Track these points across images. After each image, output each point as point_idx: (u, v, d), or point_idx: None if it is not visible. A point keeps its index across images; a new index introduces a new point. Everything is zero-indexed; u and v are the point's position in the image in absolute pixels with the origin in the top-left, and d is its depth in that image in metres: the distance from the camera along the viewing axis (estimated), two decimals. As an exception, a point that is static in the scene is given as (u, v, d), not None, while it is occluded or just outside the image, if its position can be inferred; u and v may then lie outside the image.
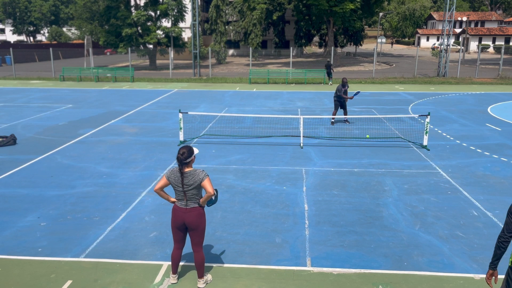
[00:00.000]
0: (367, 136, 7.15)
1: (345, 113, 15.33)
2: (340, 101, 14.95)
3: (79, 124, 14.71)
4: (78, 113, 16.77)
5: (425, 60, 47.27)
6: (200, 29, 51.37)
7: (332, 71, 27.61)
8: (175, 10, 38.71)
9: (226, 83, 28.08)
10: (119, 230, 6.75)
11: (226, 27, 49.71)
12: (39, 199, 7.99)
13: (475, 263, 5.78)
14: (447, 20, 29.07)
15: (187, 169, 4.89)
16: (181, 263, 5.73)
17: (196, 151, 4.97)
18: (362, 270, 5.62)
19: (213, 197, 5.08)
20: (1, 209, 7.56)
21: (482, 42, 69.31)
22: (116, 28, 36.71)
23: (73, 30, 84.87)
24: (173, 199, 5.08)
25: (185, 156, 4.84)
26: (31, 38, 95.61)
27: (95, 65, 39.26)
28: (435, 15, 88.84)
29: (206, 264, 5.69)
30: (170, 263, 5.72)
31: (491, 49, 66.65)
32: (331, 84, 26.95)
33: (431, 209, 7.57)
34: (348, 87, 15.04)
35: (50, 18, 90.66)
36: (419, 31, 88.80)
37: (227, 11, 51.16)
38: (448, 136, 13.00)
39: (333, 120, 15.15)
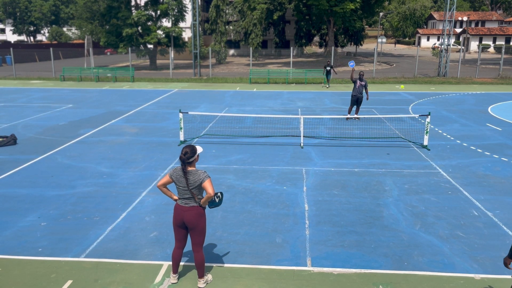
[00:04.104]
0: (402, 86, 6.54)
1: (357, 111, 15.40)
2: (357, 97, 15.07)
3: (80, 124, 14.71)
4: (79, 113, 16.78)
5: (425, 60, 47.24)
6: (200, 29, 51.35)
7: (332, 71, 25.77)
8: (176, 10, 38.72)
9: (227, 83, 28.08)
10: (120, 230, 6.75)
11: (227, 27, 49.68)
12: (40, 199, 7.99)
13: (476, 263, 5.78)
14: (448, 20, 29.05)
15: (189, 168, 4.90)
16: (181, 263, 5.73)
17: (199, 149, 4.97)
18: (363, 270, 5.62)
19: (216, 200, 5.07)
20: (2, 209, 7.57)
21: (483, 42, 69.29)
22: (117, 28, 36.72)
23: (74, 30, 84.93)
24: (175, 197, 5.10)
25: (187, 156, 4.85)
26: (32, 38, 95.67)
27: (95, 65, 39.27)
28: (435, 15, 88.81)
29: (206, 264, 5.69)
30: (170, 263, 5.72)
31: (491, 49, 66.60)
32: (327, 87, 25.38)
33: (432, 209, 7.57)
34: (365, 82, 15.13)
35: (50, 18, 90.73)
36: (420, 31, 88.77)
37: (227, 11, 51.12)
38: (448, 136, 12.99)
39: (348, 117, 15.26)
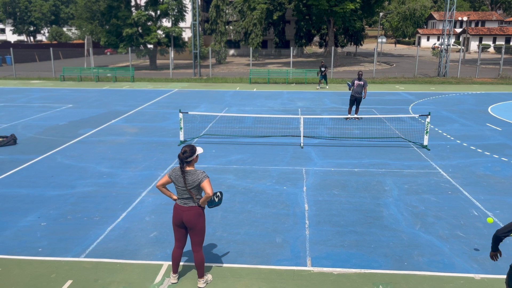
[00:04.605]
0: (490, 220, 5.58)
1: (357, 111, 15.39)
2: (355, 97, 15.04)
3: (80, 124, 14.71)
4: (79, 113, 16.78)
5: (425, 60, 47.25)
6: (200, 29, 51.36)
7: (325, 72, 24.72)
8: (176, 10, 38.72)
9: (227, 83, 28.08)
10: (120, 230, 6.75)
11: (226, 27, 49.71)
12: (40, 199, 7.99)
13: (476, 263, 5.78)
14: (448, 20, 29.06)
15: (188, 168, 4.90)
16: (181, 263, 5.73)
17: (200, 150, 4.96)
18: (363, 270, 5.62)
19: (216, 199, 5.07)
20: (2, 209, 7.57)
21: (483, 42, 69.30)
22: (117, 28, 36.73)
23: (74, 30, 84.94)
24: (175, 197, 5.10)
25: (186, 155, 4.84)
26: (32, 38, 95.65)
27: (95, 65, 39.27)
28: (435, 15, 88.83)
29: (206, 264, 5.69)
30: (170, 263, 5.72)
31: (491, 49, 66.62)
32: (326, 87, 24.90)
33: (432, 209, 7.57)
34: (364, 82, 14.99)
35: (50, 18, 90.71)
36: (420, 31, 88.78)
37: (227, 11, 51.17)
38: (448, 136, 12.99)
39: (348, 117, 15.21)
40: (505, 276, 5.46)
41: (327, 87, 25.24)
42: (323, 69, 24.57)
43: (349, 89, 15.27)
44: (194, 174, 4.87)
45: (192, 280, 5.38)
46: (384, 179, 9.12)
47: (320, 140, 12.57)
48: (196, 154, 4.92)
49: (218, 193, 5.14)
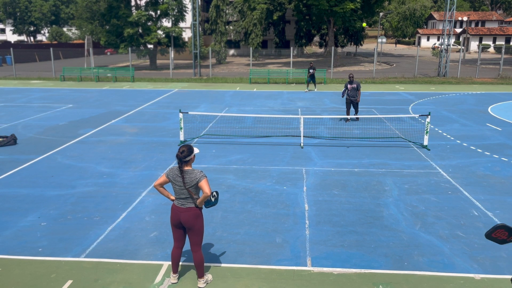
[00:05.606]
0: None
1: (356, 112, 15.37)
2: (350, 100, 14.95)
3: (80, 124, 14.71)
4: (79, 113, 16.78)
5: (425, 60, 47.24)
6: (200, 29, 51.38)
7: (313, 73, 23.25)
8: (176, 10, 38.76)
9: (227, 83, 28.08)
10: (120, 230, 6.75)
11: (227, 27, 49.70)
12: (40, 199, 7.99)
13: (476, 263, 5.78)
14: (448, 20, 29.05)
15: (186, 168, 4.91)
16: (181, 263, 5.73)
17: (196, 150, 4.99)
18: (363, 270, 5.62)
19: (213, 199, 5.07)
20: (2, 209, 7.57)
21: (483, 42, 69.29)
22: (117, 28, 36.74)
23: (74, 30, 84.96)
24: (172, 197, 5.11)
25: (184, 155, 4.86)
26: (32, 38, 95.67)
27: (95, 65, 39.27)
28: (435, 15, 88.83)
29: (206, 264, 5.69)
30: (170, 263, 5.72)
31: (491, 49, 66.60)
32: (310, 90, 23.81)
33: (432, 209, 7.57)
34: (357, 85, 14.82)
35: (50, 18, 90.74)
36: (420, 31, 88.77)
37: (227, 11, 51.14)
38: (448, 136, 12.99)
39: (347, 118, 15.16)
40: (505, 276, 5.46)
41: (316, 89, 24.08)
42: (311, 70, 23.19)
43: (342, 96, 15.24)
44: (192, 174, 4.88)
45: (192, 280, 5.38)
46: (384, 179, 9.12)
47: (320, 140, 12.57)
48: (193, 154, 4.94)
49: (214, 193, 5.14)
